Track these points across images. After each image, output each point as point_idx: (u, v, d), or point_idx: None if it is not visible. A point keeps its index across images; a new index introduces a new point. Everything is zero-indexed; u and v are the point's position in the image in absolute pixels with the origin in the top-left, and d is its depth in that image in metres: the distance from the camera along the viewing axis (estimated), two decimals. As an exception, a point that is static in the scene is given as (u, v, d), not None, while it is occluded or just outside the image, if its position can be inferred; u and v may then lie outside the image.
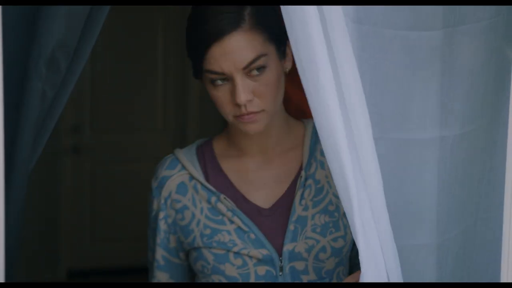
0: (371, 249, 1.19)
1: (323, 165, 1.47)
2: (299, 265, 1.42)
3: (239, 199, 1.47)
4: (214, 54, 1.34)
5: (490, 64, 1.27)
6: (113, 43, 4.20)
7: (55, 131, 1.42)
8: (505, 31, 1.26)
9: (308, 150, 1.48)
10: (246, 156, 1.49)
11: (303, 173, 1.45)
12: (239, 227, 1.44)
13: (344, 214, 1.45)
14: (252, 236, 1.43)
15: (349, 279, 1.30)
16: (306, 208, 1.44)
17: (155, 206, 1.52)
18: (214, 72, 1.35)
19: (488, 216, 1.35)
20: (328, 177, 1.46)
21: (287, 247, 1.42)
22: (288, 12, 1.15)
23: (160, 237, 1.52)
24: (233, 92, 1.35)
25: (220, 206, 1.46)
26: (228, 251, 1.42)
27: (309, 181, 1.46)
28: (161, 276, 1.54)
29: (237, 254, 1.42)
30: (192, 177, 1.49)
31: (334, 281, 1.45)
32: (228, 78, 1.35)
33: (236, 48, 1.33)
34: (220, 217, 1.45)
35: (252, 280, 1.42)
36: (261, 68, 1.35)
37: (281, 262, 1.42)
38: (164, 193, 1.50)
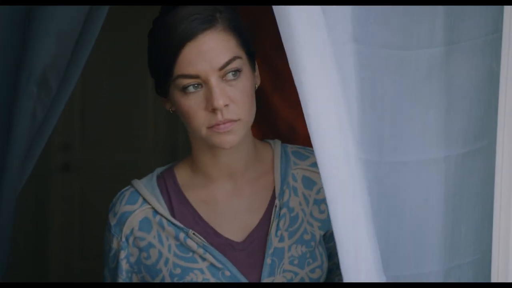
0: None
1: (296, 191, 1.40)
2: None
3: (210, 234, 1.37)
4: (188, 56, 1.27)
5: (491, 81, 1.23)
6: (104, 61, 4.19)
7: (45, 149, 1.41)
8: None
9: (279, 176, 1.40)
10: (214, 185, 1.39)
11: (277, 202, 1.37)
12: (212, 264, 1.35)
13: (319, 241, 1.41)
14: (227, 273, 1.34)
15: None
16: (282, 239, 1.37)
17: (114, 245, 1.41)
18: (188, 75, 1.27)
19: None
20: (302, 204, 1.40)
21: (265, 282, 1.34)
22: (286, 26, 1.13)
23: (122, 277, 1.40)
24: (208, 98, 1.27)
25: (190, 242, 1.35)
26: None
27: (284, 210, 1.38)
28: None
29: None
30: (156, 212, 1.37)
31: None
32: (201, 84, 1.28)
33: (212, 47, 1.27)
34: (191, 254, 1.36)
35: None
36: (236, 72, 1.29)
37: None
38: (126, 230, 1.39)
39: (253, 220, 1.39)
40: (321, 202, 1.41)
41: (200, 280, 1.34)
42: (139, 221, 1.38)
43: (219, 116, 1.28)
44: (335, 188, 1.14)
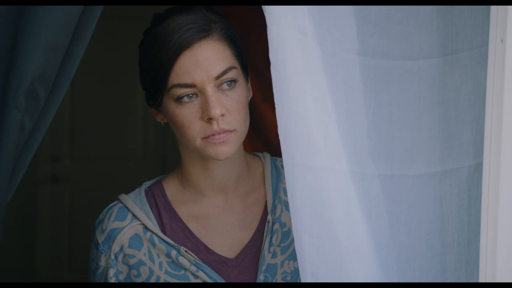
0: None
1: (288, 206, 1.36)
2: None
3: (202, 250, 1.34)
4: (184, 64, 1.25)
5: None
6: (93, 72, 4.19)
7: (33, 160, 1.40)
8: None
9: (271, 191, 1.37)
10: (205, 200, 1.36)
11: (269, 217, 1.34)
12: (204, 282, 1.31)
13: None
14: None
15: None
16: (274, 255, 1.34)
17: (102, 262, 1.36)
18: (184, 84, 1.25)
19: None
20: None
21: None
22: (282, 39, 1.11)
23: None
24: (204, 107, 1.25)
25: (182, 260, 1.32)
26: None
27: (276, 226, 1.35)
28: None
29: None
30: (146, 228, 1.34)
31: None
32: (196, 94, 1.26)
33: (208, 56, 1.26)
34: (183, 272, 1.32)
35: None
36: (232, 83, 1.28)
37: None
38: (115, 247, 1.35)
39: (245, 236, 1.36)
40: None
41: None
42: (129, 238, 1.35)
43: (215, 126, 1.25)
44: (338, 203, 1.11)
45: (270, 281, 1.33)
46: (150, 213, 1.35)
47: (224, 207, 1.37)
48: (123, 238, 1.35)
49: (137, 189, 1.40)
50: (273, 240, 1.35)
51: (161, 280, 1.33)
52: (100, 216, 1.40)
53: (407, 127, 1.18)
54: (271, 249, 1.34)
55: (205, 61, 1.26)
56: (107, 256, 1.35)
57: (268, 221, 1.34)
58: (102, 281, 1.37)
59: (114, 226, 1.35)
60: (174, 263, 1.33)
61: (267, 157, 1.45)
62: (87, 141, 4.36)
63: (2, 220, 1.35)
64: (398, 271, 1.17)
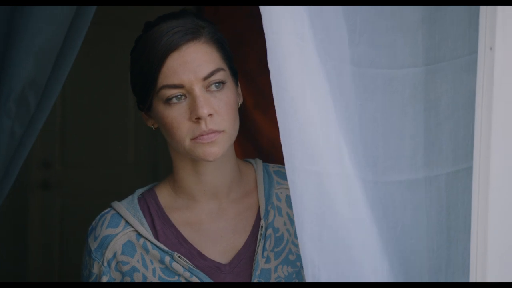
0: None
1: (281, 211, 1.38)
2: None
3: (195, 256, 1.35)
4: (173, 65, 1.27)
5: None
6: (84, 77, 4.19)
7: (24, 166, 1.40)
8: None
9: (263, 196, 1.39)
10: (198, 205, 1.37)
11: (263, 222, 1.36)
12: (203, 282, 1.32)
13: None
14: None
15: None
16: (268, 260, 1.35)
17: (95, 270, 1.36)
18: (172, 85, 1.27)
19: None
20: (286, 224, 1.38)
21: None
22: (274, 47, 1.12)
23: None
24: (192, 108, 1.27)
25: (176, 266, 1.33)
26: None
27: (269, 231, 1.36)
28: None
29: None
30: (139, 235, 1.34)
31: None
32: (185, 95, 1.28)
33: (196, 57, 1.28)
34: (176, 278, 1.33)
35: None
36: (220, 84, 1.30)
37: None
38: (108, 254, 1.35)
39: (239, 241, 1.37)
40: None
41: None
42: (122, 245, 1.35)
43: (203, 126, 1.27)
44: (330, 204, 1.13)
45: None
46: (143, 219, 1.36)
47: (217, 213, 1.38)
48: (116, 245, 1.35)
49: (130, 196, 1.41)
50: (267, 245, 1.36)
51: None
52: (93, 223, 1.40)
53: (391, 135, 1.20)
54: (265, 254, 1.35)
55: (193, 62, 1.28)
56: (100, 263, 1.36)
57: (262, 226, 1.36)
58: None
59: (107, 233, 1.36)
60: (168, 269, 1.34)
61: (259, 163, 1.46)
62: (78, 147, 4.35)
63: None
64: (389, 275, 1.19)
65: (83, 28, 1.28)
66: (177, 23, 1.30)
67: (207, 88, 1.29)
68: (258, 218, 1.38)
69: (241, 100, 1.38)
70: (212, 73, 1.29)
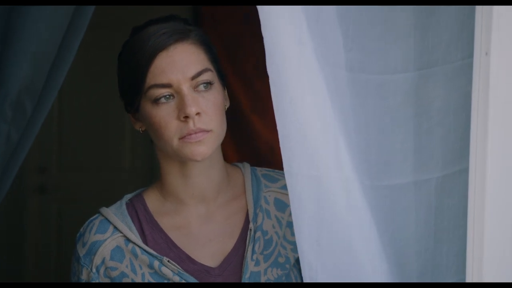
0: None
1: (269, 214, 1.39)
2: None
3: (184, 260, 1.34)
4: (161, 65, 1.29)
5: (468, 105, 1.25)
6: (81, 81, 4.19)
7: (20, 170, 1.40)
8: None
9: (252, 199, 1.39)
10: (186, 209, 1.37)
11: (251, 225, 1.36)
12: (201, 282, 1.33)
13: (294, 264, 1.39)
14: None
15: None
16: (257, 263, 1.34)
17: (84, 276, 1.35)
18: (161, 85, 1.28)
19: None
20: (275, 226, 1.39)
21: None
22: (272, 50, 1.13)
23: None
24: (180, 107, 1.28)
25: (165, 270, 1.32)
26: None
27: (258, 234, 1.36)
28: None
29: None
30: (128, 240, 1.34)
31: None
32: (173, 94, 1.30)
33: (183, 56, 1.30)
34: (166, 281, 1.33)
35: None
36: (208, 85, 1.31)
37: None
38: (96, 260, 1.34)
39: (228, 244, 1.37)
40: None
41: None
42: (111, 250, 1.35)
43: (191, 125, 1.28)
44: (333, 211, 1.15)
45: None
46: (132, 225, 1.36)
47: (206, 217, 1.38)
48: (104, 251, 1.35)
49: (118, 202, 1.40)
50: (256, 248, 1.36)
51: None
52: (81, 229, 1.39)
53: (382, 139, 1.21)
54: (254, 257, 1.35)
55: (181, 61, 1.30)
56: (89, 269, 1.35)
57: (250, 229, 1.36)
58: None
59: (95, 239, 1.35)
60: (157, 274, 1.33)
61: (246, 166, 1.46)
62: (75, 151, 4.35)
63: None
64: (387, 278, 1.20)
65: (81, 31, 1.28)
66: (165, 26, 1.32)
67: (195, 88, 1.30)
68: (246, 221, 1.38)
69: (227, 104, 1.39)
70: (199, 73, 1.30)
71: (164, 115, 1.29)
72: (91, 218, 1.38)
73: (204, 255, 1.36)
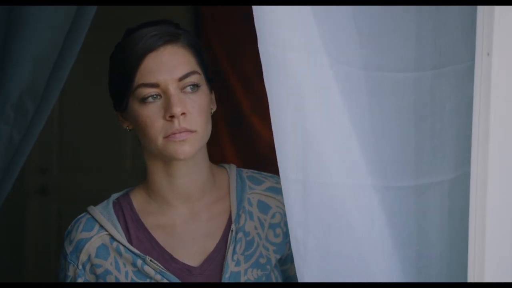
0: None
1: (252, 215, 1.41)
2: None
3: (167, 259, 1.38)
4: (150, 65, 1.33)
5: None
6: (81, 82, 4.19)
7: (21, 171, 1.41)
8: None
9: (235, 201, 1.42)
10: (171, 209, 1.40)
11: (233, 226, 1.39)
12: (196, 282, 1.36)
13: (275, 265, 1.42)
14: None
15: None
16: (238, 263, 1.38)
17: (71, 272, 1.41)
18: (149, 84, 1.33)
19: None
20: (258, 228, 1.41)
21: None
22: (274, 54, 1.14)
23: None
24: (166, 106, 1.32)
25: (147, 269, 1.36)
26: None
27: (240, 235, 1.39)
28: None
29: None
30: (113, 238, 1.38)
31: None
32: (160, 94, 1.33)
33: (172, 58, 1.34)
34: (148, 280, 1.36)
35: None
36: (194, 87, 1.34)
37: None
38: (82, 257, 1.39)
39: (210, 244, 1.40)
40: (276, 227, 1.43)
41: None
42: (96, 248, 1.39)
43: (176, 124, 1.31)
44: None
45: None
46: (117, 224, 1.40)
47: (190, 217, 1.41)
48: (90, 248, 1.39)
49: (105, 201, 1.45)
50: (237, 249, 1.39)
51: None
52: (69, 227, 1.44)
53: (397, 140, 1.20)
54: (235, 257, 1.38)
55: (169, 62, 1.34)
56: (75, 266, 1.40)
57: (232, 230, 1.39)
58: None
59: (81, 237, 1.40)
60: (140, 272, 1.37)
61: (232, 168, 1.48)
62: (76, 151, 4.35)
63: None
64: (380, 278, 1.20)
65: (82, 32, 1.29)
66: (156, 28, 1.36)
67: (182, 89, 1.34)
68: (229, 222, 1.41)
69: (214, 107, 1.42)
70: (187, 75, 1.34)
71: (150, 114, 1.33)
72: (78, 217, 1.44)
73: (186, 254, 1.39)
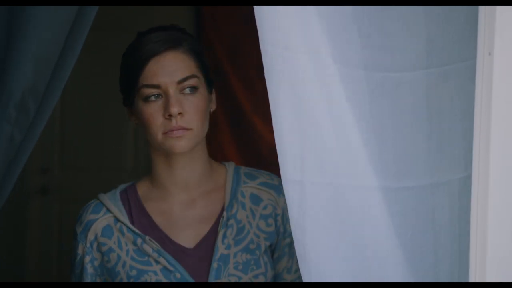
0: None
1: (244, 206, 1.56)
2: None
3: (165, 241, 1.54)
4: (152, 68, 1.48)
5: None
6: (83, 82, 4.19)
7: (23, 171, 1.41)
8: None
9: (229, 192, 1.57)
10: (170, 197, 1.56)
11: (225, 213, 1.54)
12: (165, 267, 1.51)
13: (265, 251, 1.55)
14: (178, 275, 1.51)
15: None
16: (228, 247, 1.53)
17: (80, 251, 1.56)
18: (151, 85, 1.48)
19: None
20: (249, 217, 1.56)
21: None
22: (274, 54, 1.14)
23: (87, 280, 1.56)
24: (165, 106, 1.47)
25: (146, 247, 1.52)
26: None
27: (231, 221, 1.55)
28: None
29: None
30: (117, 220, 1.55)
31: None
32: (161, 94, 1.48)
33: (173, 63, 1.49)
34: (146, 258, 1.52)
35: None
36: (193, 89, 1.49)
37: None
38: (90, 236, 1.55)
39: (204, 229, 1.55)
40: (268, 217, 1.57)
41: (153, 280, 1.52)
42: (102, 228, 1.55)
43: (174, 122, 1.46)
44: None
45: (222, 269, 1.53)
46: (122, 207, 1.57)
47: (187, 203, 1.56)
48: (97, 228, 1.55)
49: (114, 190, 1.62)
50: (228, 234, 1.54)
51: (127, 265, 1.53)
52: (80, 211, 1.59)
53: (400, 140, 1.20)
54: (225, 241, 1.54)
55: (170, 67, 1.49)
56: (84, 244, 1.56)
57: (223, 217, 1.54)
58: (80, 268, 1.57)
59: (89, 218, 1.56)
60: (139, 250, 1.53)
61: (231, 164, 1.61)
62: (77, 151, 4.35)
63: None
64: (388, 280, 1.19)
65: (84, 32, 1.29)
66: (161, 34, 1.51)
67: (181, 90, 1.48)
68: (223, 210, 1.56)
69: (214, 107, 1.56)
70: (185, 79, 1.48)
71: (152, 112, 1.48)
72: (89, 202, 1.60)
73: (182, 237, 1.55)
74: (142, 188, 1.59)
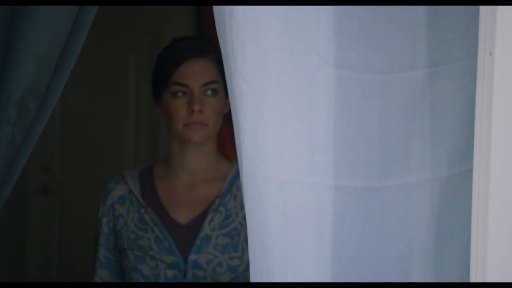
0: None
1: (236, 198, 1.83)
2: (200, 273, 1.77)
3: (164, 215, 1.83)
4: (184, 70, 1.78)
5: (473, 104, 1.23)
6: (83, 82, 4.19)
7: (23, 171, 1.41)
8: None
9: (227, 183, 1.84)
10: (177, 179, 1.85)
11: (217, 200, 1.82)
12: (157, 236, 1.80)
13: (245, 239, 1.77)
14: (166, 244, 1.79)
15: None
16: (213, 229, 1.80)
17: (100, 212, 1.89)
18: (181, 84, 1.77)
19: None
20: (237, 208, 1.81)
21: (192, 257, 1.78)
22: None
23: (103, 238, 1.88)
24: (190, 103, 1.75)
25: (146, 217, 1.83)
26: (146, 254, 1.79)
27: (221, 208, 1.82)
28: (102, 273, 1.88)
29: (152, 257, 1.78)
30: (130, 192, 1.86)
31: None
32: (187, 92, 1.77)
33: (201, 68, 1.79)
34: (145, 226, 1.82)
35: (161, 280, 1.79)
36: (214, 92, 1.78)
37: (186, 269, 1.77)
38: (108, 202, 1.88)
39: (198, 210, 1.83)
40: None
41: (146, 245, 1.80)
42: (117, 197, 1.87)
43: (194, 117, 1.75)
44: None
45: (203, 246, 1.78)
46: (137, 183, 1.87)
47: (190, 186, 1.85)
48: (114, 196, 1.87)
49: (136, 168, 1.93)
50: (215, 218, 1.81)
51: (129, 229, 1.83)
52: (107, 183, 1.90)
53: (385, 140, 1.22)
54: (212, 224, 1.81)
55: (197, 71, 1.79)
56: (103, 208, 1.88)
57: (214, 203, 1.81)
58: (99, 227, 1.88)
59: (110, 187, 1.89)
60: (141, 219, 1.83)
61: (237, 163, 1.57)
62: (78, 151, 4.35)
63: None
64: (367, 279, 1.20)
65: (84, 32, 1.29)
66: (192, 43, 1.84)
67: (204, 92, 1.77)
68: (217, 198, 1.83)
69: (227, 109, 1.79)
70: (209, 83, 1.78)
71: (177, 106, 1.77)
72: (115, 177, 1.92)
73: (179, 214, 1.83)
74: (157, 169, 1.90)
